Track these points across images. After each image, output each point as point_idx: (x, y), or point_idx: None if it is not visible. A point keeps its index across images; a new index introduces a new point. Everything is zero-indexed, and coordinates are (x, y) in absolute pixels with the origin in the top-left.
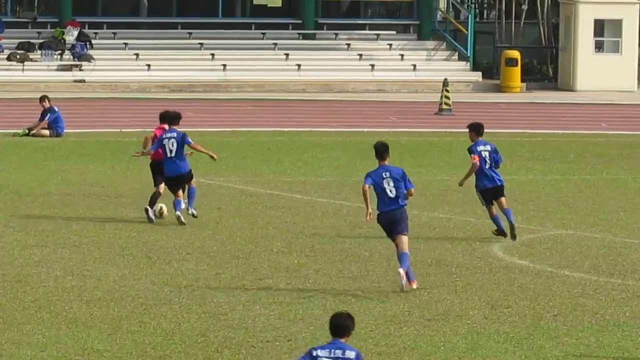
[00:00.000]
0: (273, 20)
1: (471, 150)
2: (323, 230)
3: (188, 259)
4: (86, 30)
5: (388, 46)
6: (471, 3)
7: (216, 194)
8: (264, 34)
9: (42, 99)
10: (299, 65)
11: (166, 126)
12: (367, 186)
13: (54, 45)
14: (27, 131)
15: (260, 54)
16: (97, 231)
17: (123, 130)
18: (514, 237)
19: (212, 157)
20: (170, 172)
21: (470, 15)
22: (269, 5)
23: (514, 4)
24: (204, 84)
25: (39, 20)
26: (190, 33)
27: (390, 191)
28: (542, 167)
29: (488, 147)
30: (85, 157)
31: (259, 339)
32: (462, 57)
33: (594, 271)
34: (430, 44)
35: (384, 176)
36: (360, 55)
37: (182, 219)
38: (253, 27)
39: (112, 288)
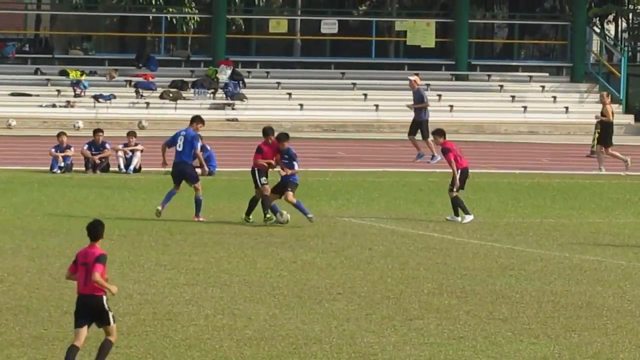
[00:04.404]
0: (426, 61)
1: None
2: (474, 272)
3: (339, 299)
4: (239, 69)
5: (541, 88)
6: (624, 46)
7: (367, 234)
8: (417, 74)
9: None
10: (451, 106)
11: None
12: (164, 143)
13: (207, 83)
14: None
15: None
16: (248, 270)
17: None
18: None
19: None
20: None
21: (623, 58)
22: (422, 46)
23: None
24: (356, 124)
25: (192, 58)
26: (343, 73)
27: (180, 146)
28: None
29: None
30: (237, 196)
31: None
32: (614, 100)
33: None
34: (583, 86)
35: (182, 135)
36: (513, 97)
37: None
38: (406, 68)
39: (262, 327)
